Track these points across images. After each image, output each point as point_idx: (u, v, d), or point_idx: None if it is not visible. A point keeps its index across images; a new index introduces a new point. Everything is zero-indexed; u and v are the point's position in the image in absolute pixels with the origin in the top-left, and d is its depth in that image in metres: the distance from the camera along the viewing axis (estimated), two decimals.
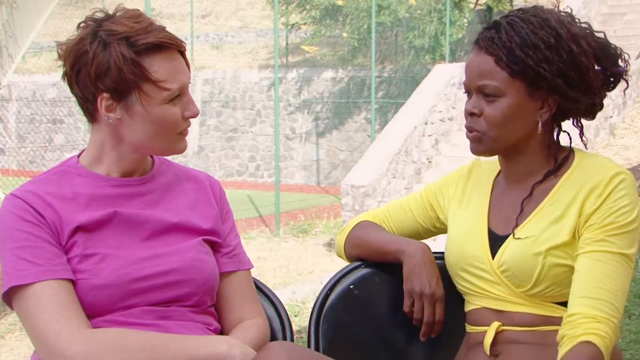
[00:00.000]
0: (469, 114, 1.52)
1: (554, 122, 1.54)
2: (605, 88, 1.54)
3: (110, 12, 1.45)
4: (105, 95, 1.40)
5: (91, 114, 1.45)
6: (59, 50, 1.43)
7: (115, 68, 1.37)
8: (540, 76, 1.46)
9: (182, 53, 1.45)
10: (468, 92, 1.54)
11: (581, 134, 1.57)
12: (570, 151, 1.55)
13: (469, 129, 1.53)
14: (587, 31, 1.51)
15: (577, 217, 1.46)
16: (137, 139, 1.44)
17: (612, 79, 1.54)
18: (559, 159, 1.53)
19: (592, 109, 1.54)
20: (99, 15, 1.44)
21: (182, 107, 1.45)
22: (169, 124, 1.44)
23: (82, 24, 1.44)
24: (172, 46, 1.42)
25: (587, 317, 1.37)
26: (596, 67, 1.50)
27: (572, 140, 1.56)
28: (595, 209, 1.44)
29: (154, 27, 1.41)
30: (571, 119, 1.56)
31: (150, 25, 1.41)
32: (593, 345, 1.34)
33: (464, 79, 1.55)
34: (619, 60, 1.53)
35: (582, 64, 1.47)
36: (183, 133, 1.48)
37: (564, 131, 1.56)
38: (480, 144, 1.53)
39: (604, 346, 1.35)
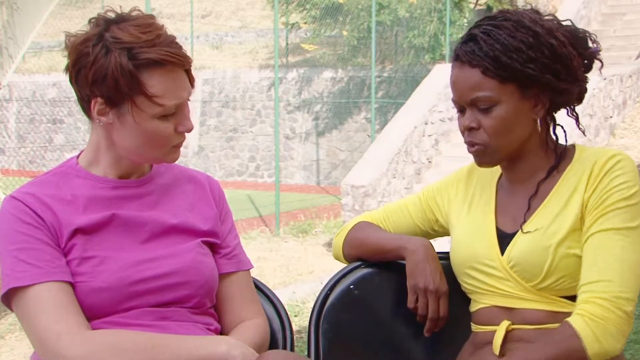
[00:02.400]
0: (468, 129, 1.51)
1: (549, 117, 1.55)
2: (584, 71, 1.54)
3: (118, 12, 1.42)
4: (99, 99, 1.39)
5: (87, 111, 1.45)
6: (67, 42, 1.42)
7: (111, 77, 1.36)
8: (529, 76, 1.46)
9: (187, 69, 1.43)
10: (460, 108, 1.53)
11: (577, 122, 1.58)
12: (571, 146, 1.55)
13: (470, 144, 1.52)
14: (556, 22, 1.52)
15: (580, 204, 1.46)
16: (126, 146, 1.44)
17: (586, 61, 1.54)
18: (558, 153, 1.53)
19: (580, 95, 1.55)
20: (111, 15, 1.42)
21: (176, 122, 1.43)
22: (159, 139, 1.43)
23: (92, 21, 1.42)
24: (175, 63, 1.40)
25: (579, 302, 1.40)
26: (574, 54, 1.51)
27: (568, 132, 1.57)
28: (592, 192, 1.45)
29: (160, 40, 1.38)
30: (566, 110, 1.57)
31: (157, 37, 1.38)
32: (566, 323, 1.38)
33: (452, 96, 1.53)
34: (589, 42, 1.54)
35: (565, 55, 1.48)
36: (177, 145, 1.47)
37: (559, 125, 1.57)
38: (485, 156, 1.52)
39: (580, 323, 1.36)
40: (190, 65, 1.44)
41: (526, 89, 1.47)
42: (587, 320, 1.36)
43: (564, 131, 1.57)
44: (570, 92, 1.51)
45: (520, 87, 1.47)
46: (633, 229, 1.42)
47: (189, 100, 1.45)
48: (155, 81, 1.38)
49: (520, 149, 1.53)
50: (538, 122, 1.52)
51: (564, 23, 1.54)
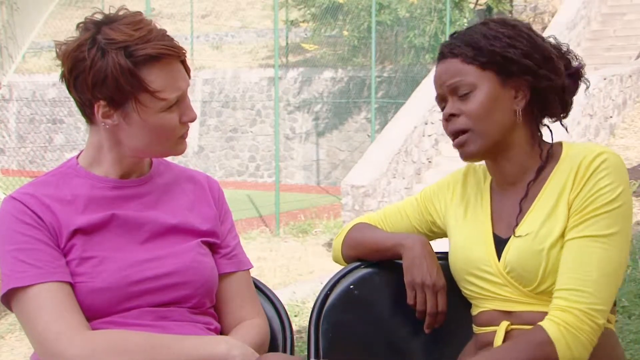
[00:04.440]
0: (447, 118, 1.53)
1: (533, 114, 1.55)
2: (570, 89, 1.57)
3: (111, 12, 1.43)
4: (102, 102, 1.40)
5: (89, 116, 1.45)
6: (58, 50, 1.43)
7: (112, 78, 1.37)
8: (508, 60, 1.49)
9: (182, 60, 1.44)
10: (442, 101, 1.56)
11: (561, 122, 1.59)
12: (557, 144, 1.56)
13: (453, 133, 1.53)
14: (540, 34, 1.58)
15: (567, 205, 1.46)
16: (135, 145, 1.44)
17: (571, 80, 1.57)
18: (546, 153, 1.54)
19: (563, 101, 1.56)
20: (99, 17, 1.42)
21: (179, 112, 1.44)
22: (167, 131, 1.44)
23: (81, 25, 1.43)
24: (171, 56, 1.41)
25: (554, 308, 1.41)
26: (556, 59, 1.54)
27: (555, 136, 1.58)
28: (577, 194, 1.45)
29: (153, 35, 1.39)
30: (550, 117, 1.58)
31: (149, 32, 1.39)
32: (540, 328, 1.39)
33: (435, 93, 1.56)
34: (572, 61, 1.57)
35: (544, 48, 1.53)
36: (183, 136, 1.48)
37: (545, 125, 1.58)
38: (470, 144, 1.52)
39: (555, 331, 1.38)
40: (185, 56, 1.45)
41: (505, 77, 1.50)
42: (562, 329, 1.38)
43: (551, 132, 1.58)
44: (550, 80, 1.52)
45: (500, 73, 1.50)
46: (612, 235, 1.42)
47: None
48: (155, 76, 1.39)
49: (504, 142, 1.53)
50: (519, 113, 1.52)
51: (546, 38, 1.58)
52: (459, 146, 1.54)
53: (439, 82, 1.55)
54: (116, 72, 1.36)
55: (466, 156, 1.55)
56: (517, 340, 1.42)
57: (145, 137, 1.43)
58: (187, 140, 1.50)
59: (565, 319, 1.38)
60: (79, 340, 1.31)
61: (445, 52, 1.54)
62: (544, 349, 1.37)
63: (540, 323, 1.40)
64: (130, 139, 1.43)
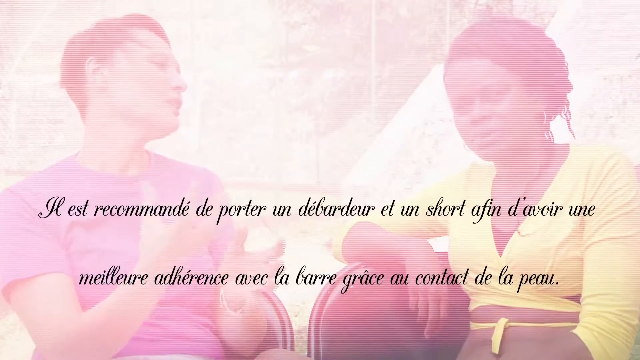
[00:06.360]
0: (480, 119, 1.49)
1: (546, 119, 1.55)
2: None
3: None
4: (91, 58, 1.44)
5: (82, 103, 1.47)
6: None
7: (99, 34, 1.47)
8: (537, 64, 1.49)
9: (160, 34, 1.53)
10: (464, 103, 1.51)
11: (568, 124, 1.59)
12: (564, 145, 1.56)
13: (484, 134, 1.49)
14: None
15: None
16: (125, 104, 1.45)
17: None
18: (551, 153, 1.54)
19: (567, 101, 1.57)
20: None
21: (169, 76, 1.48)
22: (156, 84, 1.46)
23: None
24: (152, 24, 1.50)
25: (586, 315, 1.41)
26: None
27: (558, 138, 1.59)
28: (593, 196, 1.45)
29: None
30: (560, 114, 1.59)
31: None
32: (573, 336, 1.39)
33: (455, 93, 1.52)
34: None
35: (559, 51, 1.53)
36: (173, 103, 1.48)
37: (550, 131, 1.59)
38: (501, 142, 1.49)
39: (589, 337, 1.38)
40: (162, 30, 1.53)
41: (529, 82, 1.49)
42: (596, 334, 1.38)
43: (552, 136, 1.58)
44: (566, 86, 1.54)
45: (525, 78, 1.49)
46: (632, 237, 1.43)
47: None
48: (138, 32, 1.48)
49: (523, 143, 1.52)
50: (544, 116, 1.53)
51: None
52: (487, 145, 1.50)
53: (466, 83, 1.50)
54: (103, 27, 1.47)
55: (490, 156, 1.53)
56: (551, 348, 1.41)
57: (134, 91, 1.45)
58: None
59: (598, 324, 1.38)
60: (77, 329, 1.31)
61: (472, 50, 1.49)
62: (581, 356, 1.37)
63: (573, 331, 1.40)
64: (120, 94, 1.45)
